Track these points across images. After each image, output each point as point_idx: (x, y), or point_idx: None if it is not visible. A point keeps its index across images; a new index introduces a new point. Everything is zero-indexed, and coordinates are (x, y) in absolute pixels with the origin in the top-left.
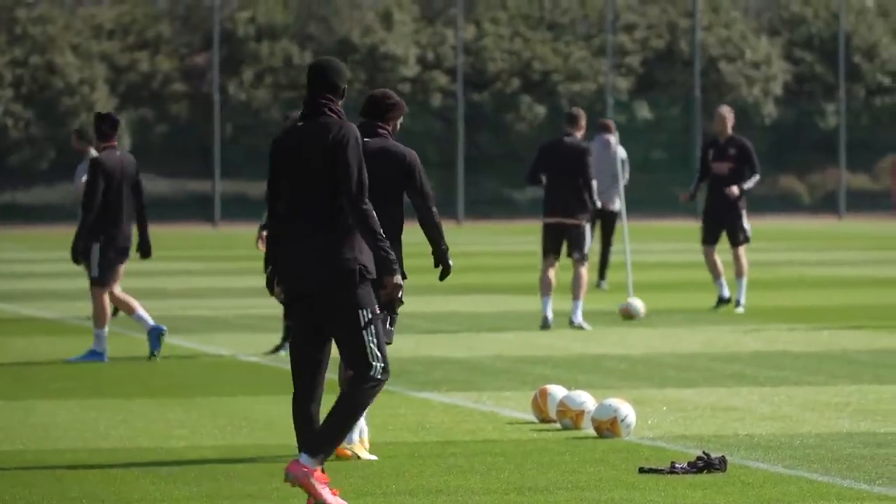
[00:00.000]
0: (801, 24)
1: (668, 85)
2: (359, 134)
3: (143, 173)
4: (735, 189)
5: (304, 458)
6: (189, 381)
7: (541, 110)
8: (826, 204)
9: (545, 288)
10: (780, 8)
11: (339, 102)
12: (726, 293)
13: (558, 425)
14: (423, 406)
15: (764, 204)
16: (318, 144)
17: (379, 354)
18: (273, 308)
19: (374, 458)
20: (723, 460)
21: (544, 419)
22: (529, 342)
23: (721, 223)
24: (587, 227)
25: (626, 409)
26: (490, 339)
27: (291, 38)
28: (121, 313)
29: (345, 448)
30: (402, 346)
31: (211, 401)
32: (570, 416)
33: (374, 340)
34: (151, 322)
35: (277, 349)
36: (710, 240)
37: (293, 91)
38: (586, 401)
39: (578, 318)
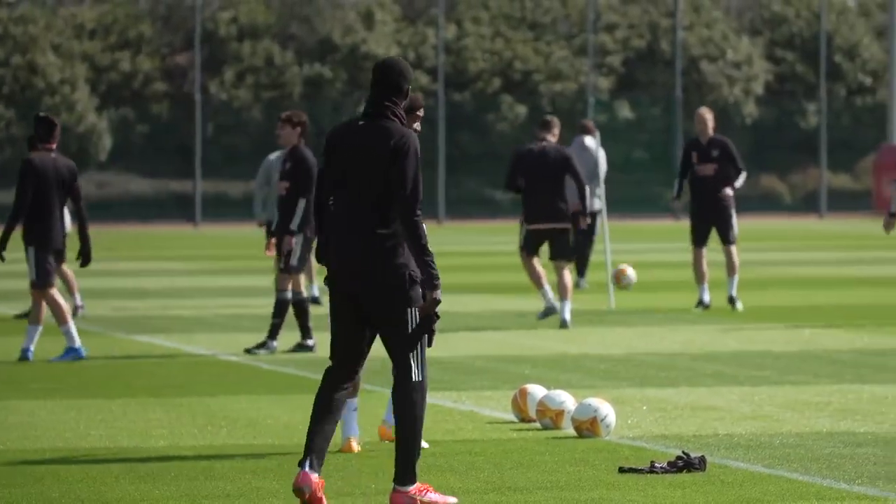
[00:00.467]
0: (783, 24)
1: (650, 85)
2: (418, 143)
3: (124, 173)
4: (729, 191)
5: (400, 487)
6: (169, 380)
7: (522, 110)
8: (807, 203)
9: (541, 279)
10: (762, 8)
11: (403, 104)
12: (707, 298)
13: (538, 425)
14: None
15: (745, 204)
16: (378, 148)
17: (420, 359)
18: (253, 308)
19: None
20: (702, 460)
21: (524, 419)
22: (509, 341)
23: (709, 223)
24: (570, 231)
25: (605, 409)
26: (470, 338)
27: (273, 37)
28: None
29: (384, 428)
30: (380, 346)
31: (191, 400)
32: (549, 416)
33: (419, 345)
34: (77, 343)
35: (261, 346)
36: (699, 241)
37: (274, 91)
38: (566, 400)
39: (567, 317)
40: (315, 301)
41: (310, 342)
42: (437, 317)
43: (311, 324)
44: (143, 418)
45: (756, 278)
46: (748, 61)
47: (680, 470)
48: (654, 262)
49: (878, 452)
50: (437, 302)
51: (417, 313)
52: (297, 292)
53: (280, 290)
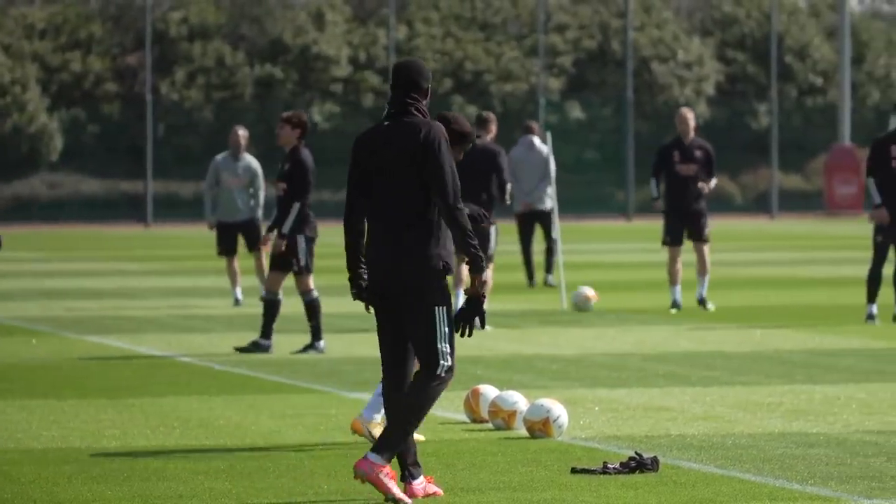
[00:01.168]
0: (733, 25)
1: (600, 85)
2: (446, 134)
3: (75, 173)
4: (712, 184)
5: (372, 456)
6: (122, 381)
7: (472, 111)
8: (758, 204)
9: (461, 282)
10: (712, 8)
11: (425, 102)
12: (680, 298)
13: (490, 425)
14: (356, 406)
15: None
16: (408, 145)
17: (448, 353)
18: (205, 308)
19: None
20: (655, 460)
21: (476, 419)
22: (460, 342)
23: (684, 223)
24: (493, 229)
25: (558, 410)
26: None
27: (224, 38)
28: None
29: (360, 422)
30: (334, 347)
31: (143, 401)
32: (502, 417)
33: (446, 338)
34: None
35: (308, 348)
36: (675, 241)
37: (226, 91)
38: (518, 401)
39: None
40: (237, 303)
41: (320, 344)
42: (484, 297)
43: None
44: (96, 419)
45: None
46: (699, 62)
47: (632, 471)
48: (606, 262)
49: (830, 453)
50: (485, 283)
51: (444, 312)
52: (273, 292)
53: (304, 292)
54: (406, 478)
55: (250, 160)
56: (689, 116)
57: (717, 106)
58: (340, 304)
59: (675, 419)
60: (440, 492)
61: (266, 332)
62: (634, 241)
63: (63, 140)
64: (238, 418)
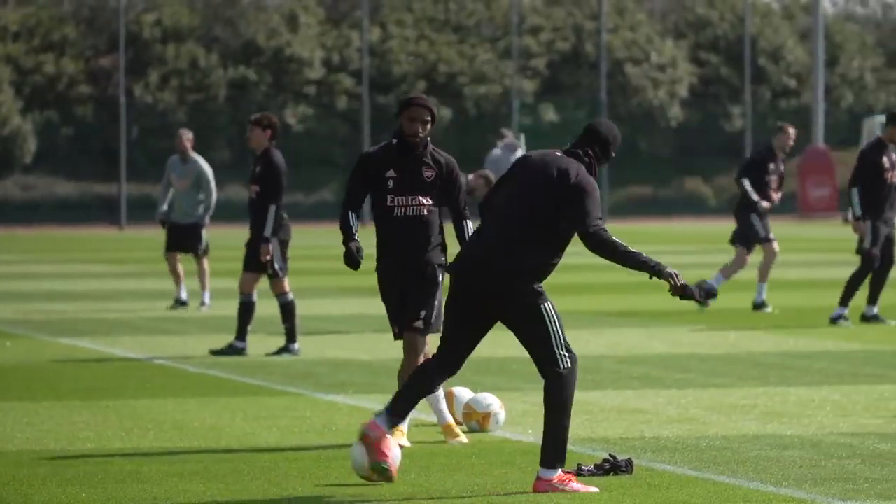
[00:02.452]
0: (707, 27)
1: (574, 87)
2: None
3: (49, 175)
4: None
5: (544, 472)
6: (96, 383)
7: (446, 113)
8: (732, 206)
9: None
10: (686, 10)
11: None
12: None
13: (464, 427)
14: (329, 408)
15: (670, 206)
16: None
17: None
18: (179, 311)
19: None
20: (629, 462)
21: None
22: (435, 344)
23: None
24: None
25: (498, 406)
26: (393, 341)
27: (197, 40)
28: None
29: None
30: (308, 349)
31: (117, 403)
32: (476, 419)
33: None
34: None
35: (282, 351)
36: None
37: (199, 93)
38: (492, 403)
39: None
40: (183, 303)
41: (294, 346)
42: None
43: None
44: (70, 421)
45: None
46: (672, 64)
47: (607, 473)
48: (579, 264)
49: (804, 455)
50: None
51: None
52: (247, 294)
53: (278, 294)
54: (384, 412)
55: (198, 163)
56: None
57: (690, 108)
58: (315, 306)
59: (650, 421)
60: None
61: (241, 334)
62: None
63: (36, 142)
64: (212, 420)
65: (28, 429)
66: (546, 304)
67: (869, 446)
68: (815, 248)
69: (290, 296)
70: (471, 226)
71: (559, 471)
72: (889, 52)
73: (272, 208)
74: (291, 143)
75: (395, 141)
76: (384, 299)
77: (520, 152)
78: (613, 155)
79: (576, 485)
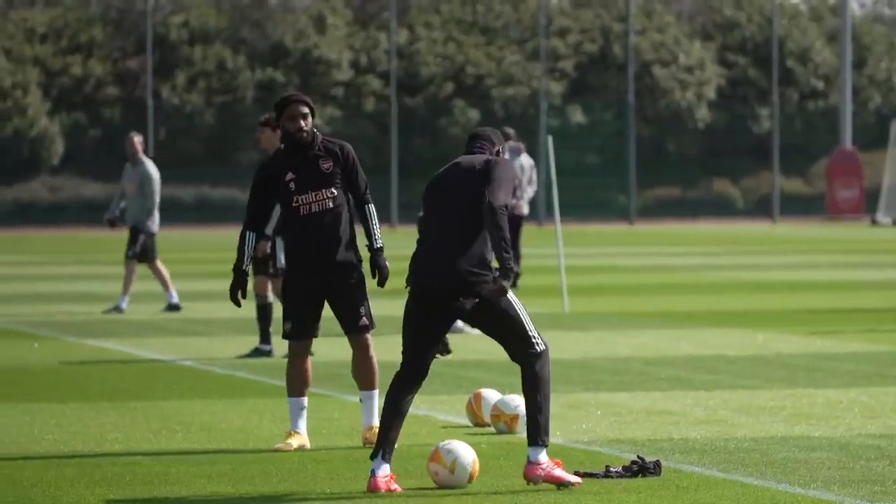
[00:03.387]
0: (735, 29)
1: (602, 89)
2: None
3: (76, 177)
4: None
5: (534, 455)
6: (123, 384)
7: (474, 114)
8: (760, 208)
9: None
10: (714, 12)
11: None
12: None
13: (493, 429)
14: (357, 410)
15: (698, 208)
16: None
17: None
18: (206, 312)
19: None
20: (657, 464)
21: (479, 423)
22: (463, 346)
23: None
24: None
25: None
26: (283, 339)
27: (224, 42)
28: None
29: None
30: (336, 351)
31: (145, 405)
32: (504, 420)
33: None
34: None
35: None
36: None
37: (226, 95)
38: (521, 405)
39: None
40: (172, 307)
41: (267, 347)
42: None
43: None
44: (98, 423)
45: (709, 283)
46: (700, 66)
47: (635, 474)
48: (607, 266)
49: (832, 457)
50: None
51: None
52: (262, 295)
53: (258, 294)
54: (377, 457)
55: (145, 166)
56: None
57: (718, 110)
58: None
59: (678, 423)
60: (398, 489)
61: (264, 336)
62: (636, 244)
63: (64, 144)
64: (240, 422)
65: (56, 430)
66: (510, 293)
67: None
68: (843, 250)
69: (270, 298)
70: (373, 211)
71: (545, 450)
72: None
73: (277, 206)
74: None
75: (282, 146)
76: (291, 297)
77: (524, 157)
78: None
79: (560, 471)
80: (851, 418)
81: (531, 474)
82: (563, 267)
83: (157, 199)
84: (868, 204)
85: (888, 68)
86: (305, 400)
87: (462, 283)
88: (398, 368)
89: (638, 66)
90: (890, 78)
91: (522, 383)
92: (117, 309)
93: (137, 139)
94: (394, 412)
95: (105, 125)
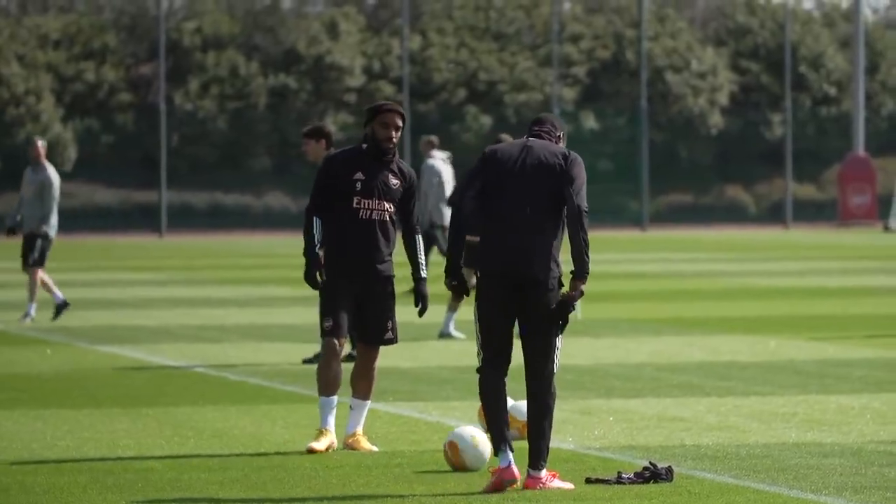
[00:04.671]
0: (747, 35)
1: (615, 95)
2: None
3: (89, 183)
4: None
5: (534, 472)
6: (136, 391)
7: (487, 120)
8: (772, 214)
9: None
10: (727, 18)
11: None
12: None
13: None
14: (369, 416)
15: (710, 214)
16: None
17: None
18: (218, 318)
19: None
20: (669, 470)
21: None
22: (475, 352)
23: None
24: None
25: None
26: (435, 348)
27: (237, 48)
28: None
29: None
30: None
31: (157, 411)
32: (516, 427)
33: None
34: None
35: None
36: None
37: (239, 101)
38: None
39: (450, 328)
40: (27, 317)
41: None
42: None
43: None
44: (110, 429)
45: (721, 289)
46: (713, 72)
47: (647, 481)
48: (620, 272)
49: (844, 463)
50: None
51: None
52: None
53: None
54: (504, 450)
55: (45, 171)
56: None
57: (731, 116)
58: None
59: (690, 429)
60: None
61: None
62: (649, 251)
63: (77, 150)
64: (253, 428)
65: (68, 436)
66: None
67: None
68: (855, 256)
69: None
70: (420, 241)
71: (545, 471)
72: None
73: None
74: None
75: (364, 146)
76: (333, 295)
77: (434, 162)
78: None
79: (558, 482)
80: (864, 424)
81: (531, 487)
82: None
83: (56, 204)
84: (880, 210)
85: None
86: (336, 399)
87: (537, 276)
88: (479, 364)
89: (650, 72)
90: None
91: (531, 405)
92: (27, 316)
93: (41, 143)
94: (496, 405)
95: (118, 131)
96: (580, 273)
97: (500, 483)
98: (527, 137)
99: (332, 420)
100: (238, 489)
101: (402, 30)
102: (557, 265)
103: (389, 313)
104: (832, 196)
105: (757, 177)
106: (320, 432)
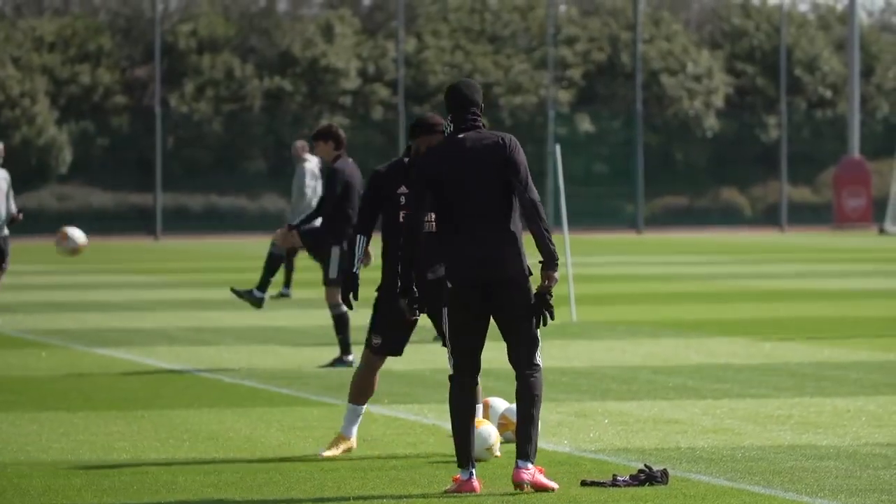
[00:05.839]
0: (743, 37)
1: (610, 98)
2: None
3: (84, 186)
4: None
5: (523, 464)
6: (131, 393)
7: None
8: (768, 217)
9: None
10: (722, 21)
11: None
12: None
13: (501, 438)
14: (365, 419)
15: (705, 217)
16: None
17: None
18: (214, 321)
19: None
20: (665, 473)
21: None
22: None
23: None
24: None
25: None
26: (430, 350)
27: (233, 50)
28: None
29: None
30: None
31: (153, 413)
32: (512, 429)
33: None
34: None
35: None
36: None
37: (235, 103)
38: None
39: None
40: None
41: (349, 358)
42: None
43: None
44: (105, 431)
45: (717, 291)
46: (708, 74)
47: (642, 483)
48: (616, 275)
49: (840, 465)
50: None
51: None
52: (335, 305)
53: (332, 304)
54: (468, 466)
55: None
56: None
57: (726, 118)
58: (352, 316)
59: (685, 432)
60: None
61: (345, 347)
62: (644, 253)
63: (72, 152)
64: (248, 431)
65: (63, 439)
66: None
67: None
68: (851, 259)
69: (343, 307)
70: None
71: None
72: None
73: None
74: None
75: (406, 160)
76: (387, 313)
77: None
78: (481, 104)
79: (542, 477)
80: (859, 427)
81: (518, 478)
82: (570, 275)
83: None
84: (876, 213)
85: None
86: (364, 408)
87: (511, 276)
88: (452, 373)
89: (646, 75)
90: None
91: (518, 396)
92: None
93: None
94: (467, 418)
95: (113, 134)
96: (550, 264)
97: (460, 491)
98: (453, 130)
99: (354, 428)
100: (233, 492)
101: (397, 32)
102: (524, 256)
103: (440, 318)
104: (827, 199)
105: (752, 179)
106: (340, 438)
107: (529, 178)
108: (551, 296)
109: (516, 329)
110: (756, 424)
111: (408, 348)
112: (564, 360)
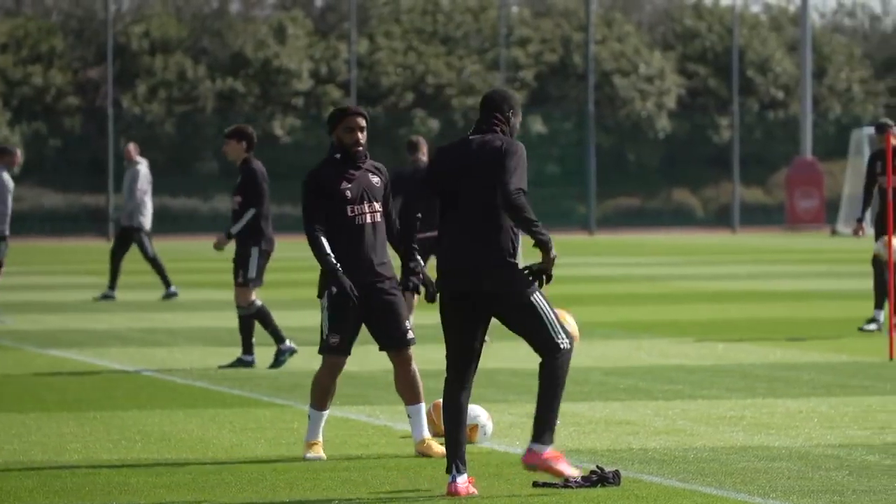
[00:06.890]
0: (695, 38)
1: (562, 99)
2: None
3: (36, 187)
4: None
5: (535, 446)
6: (83, 394)
7: (434, 124)
8: (720, 218)
9: None
10: (674, 22)
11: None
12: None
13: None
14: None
15: (657, 217)
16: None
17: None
18: (166, 322)
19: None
20: (616, 474)
21: (438, 433)
22: (422, 356)
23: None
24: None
25: (485, 418)
26: (383, 353)
27: (185, 51)
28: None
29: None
30: (295, 361)
31: (105, 414)
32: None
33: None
34: None
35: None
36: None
37: (187, 105)
38: (480, 415)
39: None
40: None
41: (249, 358)
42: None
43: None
44: (57, 433)
45: (669, 292)
46: (660, 75)
47: (594, 484)
48: (567, 276)
49: (791, 466)
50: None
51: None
52: (245, 306)
53: (241, 305)
54: (451, 471)
55: None
56: None
57: (678, 119)
58: (301, 317)
59: (637, 433)
60: (476, 492)
61: (247, 347)
62: (596, 254)
63: (24, 154)
64: (200, 432)
65: (15, 440)
66: (535, 294)
67: (856, 458)
68: (803, 260)
69: (259, 302)
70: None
71: (549, 447)
72: (876, 63)
73: (251, 211)
74: (279, 154)
75: (338, 155)
76: (341, 311)
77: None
78: (518, 111)
79: (563, 465)
80: (811, 428)
81: (529, 461)
82: None
83: None
84: (828, 214)
85: (848, 78)
86: (328, 413)
87: (503, 289)
88: (446, 375)
89: (598, 76)
90: (850, 88)
91: (539, 379)
92: None
93: None
94: (457, 420)
95: (65, 135)
96: (544, 248)
97: (449, 494)
98: (471, 132)
99: (320, 430)
100: (185, 493)
101: (349, 34)
102: (514, 257)
103: (404, 314)
104: (780, 200)
105: (704, 180)
106: (314, 444)
107: (517, 181)
108: (550, 277)
109: (519, 329)
110: (708, 426)
111: (359, 349)
112: (516, 361)
